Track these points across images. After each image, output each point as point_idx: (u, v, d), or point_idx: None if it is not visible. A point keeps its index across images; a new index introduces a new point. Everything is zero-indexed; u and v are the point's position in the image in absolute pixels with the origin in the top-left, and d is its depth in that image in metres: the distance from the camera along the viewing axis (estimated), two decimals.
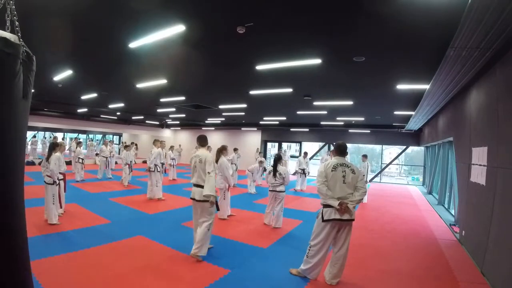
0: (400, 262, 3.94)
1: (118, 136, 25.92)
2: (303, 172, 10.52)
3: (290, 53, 4.35)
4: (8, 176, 1.35)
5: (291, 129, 16.29)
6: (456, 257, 4.20)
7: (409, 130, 12.47)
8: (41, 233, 4.27)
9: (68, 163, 8.51)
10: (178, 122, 19.00)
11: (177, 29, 3.48)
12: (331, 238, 3.14)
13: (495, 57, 3.33)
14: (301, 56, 4.44)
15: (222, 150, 5.91)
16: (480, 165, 3.94)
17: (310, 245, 3.22)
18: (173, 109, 11.93)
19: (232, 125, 17.47)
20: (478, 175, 3.99)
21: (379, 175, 15.63)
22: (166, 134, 21.19)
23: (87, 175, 10.95)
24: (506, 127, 3.17)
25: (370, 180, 15.05)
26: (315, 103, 8.47)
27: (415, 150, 16.98)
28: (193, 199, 3.76)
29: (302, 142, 17.30)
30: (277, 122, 15.27)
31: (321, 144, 16.90)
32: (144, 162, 18.61)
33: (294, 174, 11.54)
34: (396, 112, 9.47)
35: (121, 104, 11.18)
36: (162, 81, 6.60)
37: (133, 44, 4.11)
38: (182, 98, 8.99)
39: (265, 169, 9.15)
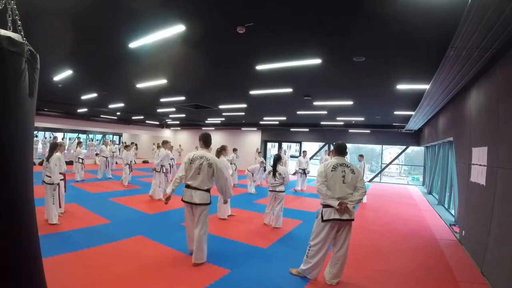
0: (400, 262, 3.94)
1: (118, 136, 25.92)
2: (304, 172, 10.51)
3: (290, 53, 4.35)
4: (17, 174, 1.35)
5: (291, 129, 16.29)
6: (456, 257, 4.20)
7: (409, 130, 12.48)
8: (41, 233, 4.23)
9: (69, 163, 8.51)
10: (178, 122, 19.00)
11: (177, 29, 3.47)
12: (331, 238, 3.14)
13: (495, 57, 3.33)
14: (301, 56, 4.44)
15: (221, 150, 5.92)
16: (480, 165, 3.94)
17: (309, 245, 3.22)
18: (173, 109, 11.93)
19: (232, 125, 17.47)
20: (478, 175, 3.99)
21: (379, 175, 15.63)
22: (166, 134, 21.19)
23: (87, 175, 10.95)
24: (506, 127, 3.18)
25: (370, 180, 15.06)
26: (315, 103, 8.47)
27: (415, 150, 16.99)
28: (190, 203, 3.49)
29: (302, 142, 17.30)
30: (277, 122, 15.28)
31: (321, 144, 16.90)
32: (145, 162, 18.68)
33: (294, 174, 11.54)
34: (396, 112, 9.48)
35: (121, 104, 11.18)
36: (162, 81, 6.60)
37: (133, 44, 4.11)
38: (182, 98, 8.99)
39: (265, 169, 9.15)
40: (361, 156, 8.74)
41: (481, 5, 2.27)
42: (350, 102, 8.06)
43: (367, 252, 4.28)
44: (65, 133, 23.49)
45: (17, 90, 1.33)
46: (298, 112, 10.95)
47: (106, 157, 10.99)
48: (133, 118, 16.89)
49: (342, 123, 13.54)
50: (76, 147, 10.78)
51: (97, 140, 26.42)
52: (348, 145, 19.83)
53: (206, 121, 16.90)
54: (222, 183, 3.59)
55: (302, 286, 3.11)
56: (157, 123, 19.64)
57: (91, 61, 5.40)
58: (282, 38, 3.81)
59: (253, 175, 9.34)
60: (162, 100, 9.49)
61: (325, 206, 3.10)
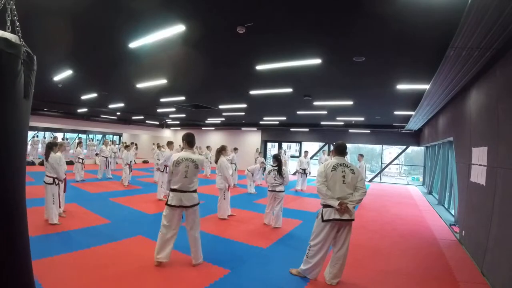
0: (400, 262, 3.94)
1: (118, 136, 25.92)
2: (304, 172, 10.51)
3: (290, 53, 4.35)
4: (9, 176, 1.35)
5: (291, 129, 16.29)
6: (456, 257, 4.20)
7: (409, 130, 12.47)
8: (41, 233, 4.27)
9: (69, 163, 8.51)
10: (178, 122, 18.99)
11: (177, 29, 3.47)
12: (331, 238, 3.14)
13: (495, 57, 3.33)
14: (301, 56, 4.44)
15: (221, 150, 5.91)
16: (480, 165, 3.94)
17: (310, 245, 3.22)
18: (173, 109, 11.93)
19: (232, 125, 17.46)
20: (478, 175, 3.99)
21: (379, 175, 15.63)
22: (166, 134, 21.18)
23: (87, 175, 10.95)
24: (506, 127, 3.18)
25: (370, 180, 15.06)
26: (315, 103, 8.47)
27: (415, 150, 16.98)
28: (181, 206, 3.36)
29: (302, 142, 17.29)
30: (277, 122, 15.27)
31: (321, 144, 16.90)
32: (145, 162, 18.68)
33: (294, 174, 11.54)
34: (396, 112, 9.48)
35: (121, 104, 11.18)
36: (162, 81, 6.60)
37: (133, 44, 4.11)
38: (182, 98, 9.00)
39: (265, 169, 9.15)
40: (361, 155, 8.74)
41: (481, 5, 2.27)
42: (350, 102, 8.06)
43: (367, 252, 4.28)
44: (65, 133, 23.48)
45: (12, 91, 1.33)
46: (298, 112, 10.95)
47: (106, 157, 11.00)
48: (133, 118, 16.90)
49: (342, 123, 13.54)
50: (76, 147, 10.78)
51: (97, 140, 26.43)
52: (348, 145, 19.86)
53: (206, 121, 16.90)
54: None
55: (302, 286, 3.11)
56: (157, 123, 19.64)
57: (91, 61, 5.40)
58: (282, 38, 3.81)
59: (253, 175, 9.34)
60: (162, 100, 9.49)
61: (325, 206, 3.10)
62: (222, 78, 6.27)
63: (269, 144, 19.14)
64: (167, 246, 3.41)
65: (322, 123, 14.07)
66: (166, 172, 7.48)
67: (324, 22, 3.26)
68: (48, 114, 13.82)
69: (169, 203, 3.40)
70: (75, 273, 3.07)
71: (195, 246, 3.46)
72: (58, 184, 4.97)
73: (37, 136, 19.32)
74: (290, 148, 19.38)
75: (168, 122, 19.75)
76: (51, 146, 5.01)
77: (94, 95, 9.07)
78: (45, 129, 20.83)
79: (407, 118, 9.95)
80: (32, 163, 13.47)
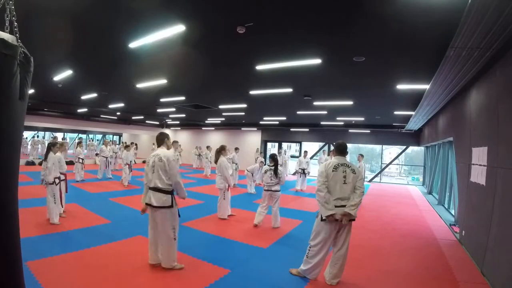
0: (400, 262, 3.94)
1: (118, 136, 25.91)
2: (303, 172, 10.51)
3: (290, 53, 4.35)
4: (3, 177, 1.35)
5: (291, 129, 16.29)
6: (456, 257, 4.20)
7: (409, 130, 12.47)
8: (41, 233, 4.27)
9: (69, 163, 8.51)
10: (178, 122, 19.00)
11: (177, 29, 3.47)
12: (332, 238, 3.14)
13: (495, 57, 3.33)
14: (301, 56, 4.43)
15: (221, 151, 5.91)
16: (480, 165, 3.94)
17: (310, 245, 3.22)
18: (173, 109, 11.92)
19: (232, 125, 17.46)
20: (478, 175, 3.99)
21: (379, 175, 15.62)
22: None
23: (87, 175, 10.95)
24: (506, 127, 3.17)
25: (370, 180, 15.06)
26: (315, 103, 8.47)
27: (415, 150, 16.98)
28: (150, 205, 3.24)
29: (302, 142, 17.29)
30: (277, 122, 15.27)
31: (321, 144, 16.90)
32: (144, 162, 18.62)
33: (294, 174, 11.54)
34: (396, 112, 9.47)
35: (121, 104, 11.18)
36: (162, 81, 6.60)
37: (133, 44, 4.11)
38: (182, 98, 8.99)
39: None
40: (361, 156, 8.74)
41: (481, 5, 2.27)
42: (350, 102, 8.06)
43: (367, 252, 4.28)
44: (65, 133, 23.48)
45: (8, 92, 1.32)
46: (298, 112, 10.95)
47: (106, 157, 10.99)
48: (133, 118, 16.90)
49: (342, 123, 13.54)
50: (76, 147, 10.78)
51: (97, 140, 26.42)
52: (348, 145, 19.71)
53: (206, 121, 16.90)
54: (173, 179, 3.24)
55: (302, 286, 3.11)
56: (157, 123, 19.64)
57: (91, 61, 5.40)
58: (282, 38, 3.81)
59: (252, 175, 9.33)
60: (162, 100, 9.49)
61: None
62: (222, 78, 6.27)
63: (269, 144, 19.14)
64: (156, 246, 3.30)
65: (322, 123, 14.07)
66: None
67: (324, 22, 3.26)
68: (48, 114, 13.82)
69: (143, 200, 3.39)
70: (75, 273, 3.07)
71: (163, 250, 3.23)
72: (59, 183, 4.97)
73: (38, 136, 19.33)
74: (290, 148, 19.39)
75: (168, 122, 19.75)
76: (51, 147, 5.01)
77: (94, 95, 9.07)
78: (45, 129, 20.81)
79: (407, 118, 9.95)
80: (32, 163, 13.47)
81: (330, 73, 5.26)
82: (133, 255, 3.67)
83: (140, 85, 7.09)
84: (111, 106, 11.72)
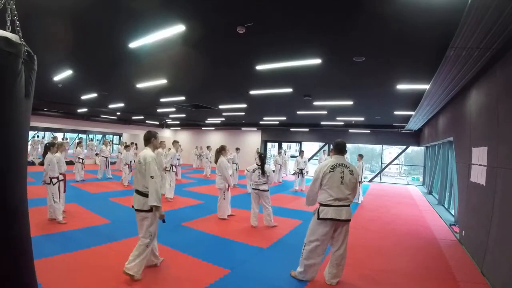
0: (400, 262, 3.94)
1: (118, 136, 25.92)
2: (301, 172, 10.53)
3: (290, 53, 4.35)
4: (10, 176, 1.35)
5: (291, 129, 16.29)
6: (456, 257, 4.20)
7: (409, 130, 12.47)
8: (41, 233, 4.27)
9: (69, 163, 8.51)
10: (178, 122, 19.00)
11: (177, 29, 3.47)
12: (328, 238, 3.13)
13: (495, 57, 3.33)
14: (301, 56, 4.43)
15: (221, 151, 5.91)
16: (480, 165, 3.94)
17: (305, 244, 3.20)
18: (173, 109, 11.92)
19: (232, 125, 17.46)
20: (478, 175, 3.99)
21: (379, 175, 15.62)
22: (166, 134, 21.18)
23: (87, 175, 10.95)
24: (506, 127, 3.18)
25: (370, 180, 15.07)
26: (315, 103, 8.47)
27: (415, 150, 16.99)
28: (133, 207, 3.15)
29: (302, 142, 17.30)
30: (277, 122, 15.27)
31: (321, 144, 16.91)
32: None
33: (293, 174, 11.54)
34: (396, 112, 9.47)
35: (121, 104, 11.18)
36: (162, 81, 6.60)
37: (133, 44, 4.11)
38: (182, 98, 8.99)
39: None
40: (360, 156, 8.74)
41: (481, 5, 2.27)
42: (350, 102, 8.06)
43: (367, 252, 4.28)
44: (65, 133, 23.49)
45: (13, 91, 1.33)
46: (298, 112, 10.95)
47: (106, 157, 10.99)
48: (133, 118, 16.90)
49: (342, 123, 13.54)
50: (76, 147, 10.79)
51: (97, 140, 26.43)
52: (348, 145, 19.75)
53: (206, 121, 16.90)
54: (148, 182, 3.00)
55: (302, 286, 3.11)
56: (157, 123, 19.64)
57: (91, 61, 5.40)
58: (282, 38, 3.81)
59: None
60: (162, 100, 9.49)
61: (322, 205, 3.10)
62: (222, 78, 6.27)
63: (269, 144, 19.14)
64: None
65: (322, 123, 14.08)
66: (173, 171, 7.57)
67: (324, 22, 3.26)
68: (48, 114, 13.81)
69: None
70: (75, 273, 3.07)
71: (134, 253, 3.05)
72: (58, 183, 4.97)
73: (38, 136, 19.34)
74: (290, 148, 19.39)
75: (168, 122, 19.75)
76: (49, 147, 5.00)
77: (94, 95, 9.06)
78: (45, 129, 20.82)
79: (407, 118, 9.95)
80: (32, 163, 13.46)
81: (330, 73, 5.26)
82: None
83: (140, 85, 7.09)
84: (111, 106, 11.72)
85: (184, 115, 14.41)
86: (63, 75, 6.31)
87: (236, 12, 3.15)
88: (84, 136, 23.83)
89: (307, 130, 15.98)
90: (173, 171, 7.60)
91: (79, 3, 3.05)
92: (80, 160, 9.95)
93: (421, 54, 4.02)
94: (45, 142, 18.31)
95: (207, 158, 14.20)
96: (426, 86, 5.27)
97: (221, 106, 10.49)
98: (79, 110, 13.85)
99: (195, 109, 10.92)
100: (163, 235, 4.55)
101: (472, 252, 4.17)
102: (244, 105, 9.88)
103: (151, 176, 2.98)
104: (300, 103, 8.80)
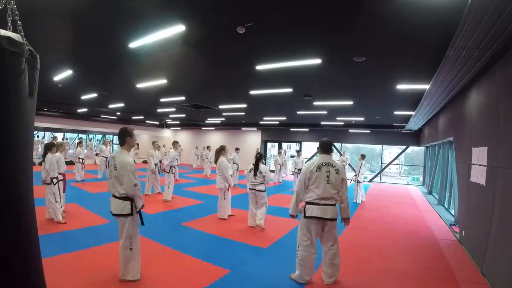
0: (400, 262, 3.94)
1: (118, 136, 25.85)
2: (299, 172, 10.52)
3: (290, 53, 4.35)
4: (17, 175, 1.35)
5: (291, 129, 16.29)
6: (456, 257, 4.20)
7: (409, 130, 12.48)
8: (41, 233, 4.24)
9: (69, 163, 8.51)
10: (178, 122, 19.00)
11: (177, 29, 3.47)
12: (317, 235, 3.16)
13: (495, 57, 3.33)
14: (301, 56, 4.44)
15: (220, 151, 5.90)
16: (480, 165, 3.94)
17: (298, 245, 3.22)
18: (173, 109, 11.93)
19: (232, 125, 17.47)
20: (478, 175, 3.99)
21: (379, 175, 15.63)
22: (166, 134, 21.19)
23: (87, 175, 10.95)
24: (506, 127, 3.18)
25: (370, 180, 15.07)
26: (315, 103, 8.47)
27: (415, 150, 16.98)
28: (111, 211, 3.04)
29: (302, 142, 17.30)
30: (277, 122, 15.28)
31: None
32: (145, 162, 18.61)
33: (293, 174, 11.55)
34: (396, 112, 9.48)
35: (121, 104, 11.18)
36: (162, 81, 6.60)
37: (133, 44, 4.11)
38: (182, 98, 9.00)
39: None
40: (362, 156, 8.75)
41: (481, 5, 2.27)
42: (350, 102, 8.06)
43: (367, 252, 4.28)
44: (65, 133, 23.48)
45: (17, 90, 1.33)
46: (298, 112, 10.95)
47: (106, 157, 10.99)
48: (133, 118, 16.90)
49: (342, 123, 13.54)
50: (76, 147, 10.78)
51: (97, 140, 26.42)
52: (348, 145, 19.58)
53: (206, 121, 16.90)
54: (127, 187, 2.87)
55: (302, 286, 3.11)
56: (157, 123, 19.64)
57: (91, 61, 5.40)
58: (282, 38, 3.81)
59: None
60: (162, 100, 9.49)
61: (308, 203, 3.13)
62: (222, 78, 6.27)
63: (269, 144, 19.15)
64: None
65: (322, 123, 14.08)
66: (172, 173, 7.53)
67: (324, 22, 3.26)
68: (48, 114, 13.82)
69: None
70: (75, 273, 3.07)
71: (120, 259, 2.99)
72: (57, 183, 4.97)
73: (38, 136, 19.34)
74: (290, 148, 19.39)
75: (168, 122, 19.75)
76: (49, 147, 5.00)
77: (94, 95, 9.07)
78: (45, 129, 20.81)
79: (407, 118, 9.96)
80: (32, 163, 13.45)
81: (330, 73, 5.26)
82: None
83: (140, 85, 7.10)
84: (111, 106, 11.72)
85: (184, 115, 14.41)
86: (63, 75, 6.31)
87: (236, 12, 3.15)
88: (84, 136, 23.81)
89: (307, 130, 15.98)
90: (172, 173, 7.51)
91: (79, 3, 3.05)
92: (80, 160, 9.94)
93: (421, 54, 4.02)
94: (45, 142, 18.37)
95: (207, 158, 14.20)
96: (426, 86, 5.27)
97: (221, 106, 10.49)
98: (79, 110, 13.86)
99: (195, 109, 10.92)
100: (163, 235, 4.57)
101: (472, 252, 4.17)
102: (244, 105, 9.88)
103: (134, 185, 2.89)
104: (300, 103, 8.80)
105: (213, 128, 19.37)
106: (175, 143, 8.20)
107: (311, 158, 16.52)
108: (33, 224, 1.43)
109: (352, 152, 18.12)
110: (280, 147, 18.14)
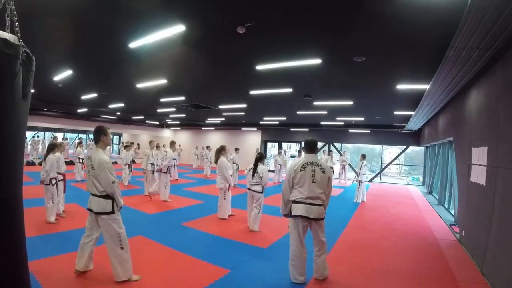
0: (400, 262, 3.94)
1: (118, 136, 25.91)
2: None
3: (290, 53, 4.35)
4: (6, 176, 1.35)
5: (291, 129, 16.29)
6: (456, 257, 4.20)
7: (409, 130, 12.47)
8: (41, 233, 4.27)
9: (69, 163, 8.52)
10: (178, 122, 19.00)
11: (177, 29, 3.47)
12: (305, 233, 3.16)
13: (495, 57, 3.33)
14: (301, 56, 4.43)
15: (221, 151, 5.90)
16: (480, 165, 3.94)
17: (290, 245, 3.21)
18: (173, 109, 11.93)
19: (232, 125, 17.47)
20: (478, 175, 3.99)
21: (379, 175, 15.62)
22: (166, 134, 21.18)
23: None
24: (506, 127, 3.17)
25: (370, 180, 15.06)
26: (315, 103, 8.47)
27: (415, 150, 16.98)
28: (90, 210, 3.01)
29: (302, 142, 17.26)
30: (277, 122, 15.28)
31: (321, 144, 16.90)
32: None
33: None
34: (396, 112, 9.48)
35: (121, 104, 11.18)
36: (162, 81, 6.60)
37: (133, 44, 4.11)
38: (182, 98, 9.00)
39: None
40: (363, 156, 8.74)
41: (481, 5, 2.27)
42: (350, 102, 8.06)
43: (367, 252, 4.28)
44: (65, 133, 23.49)
45: (11, 92, 1.33)
46: (298, 112, 10.95)
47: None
48: (133, 118, 16.91)
49: (342, 123, 13.54)
50: (76, 147, 10.77)
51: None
52: (348, 145, 19.54)
53: (206, 121, 16.90)
54: (105, 185, 2.87)
55: (302, 286, 3.11)
56: (157, 123, 19.64)
57: (91, 61, 5.40)
58: (282, 38, 3.81)
59: None
60: (162, 100, 9.49)
61: (294, 202, 3.14)
62: (222, 78, 6.27)
63: (269, 144, 19.15)
64: (83, 252, 3.00)
65: (322, 123, 14.08)
66: (169, 173, 7.50)
67: (324, 22, 3.26)
68: (48, 114, 13.82)
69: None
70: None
71: (113, 261, 2.91)
72: (56, 184, 4.97)
73: (38, 136, 19.33)
74: (290, 148, 19.40)
75: (168, 122, 19.75)
76: (52, 148, 5.00)
77: (94, 95, 9.07)
78: (45, 129, 20.82)
79: (407, 118, 9.95)
80: (32, 163, 13.46)
81: (330, 73, 5.26)
82: (133, 255, 3.66)
83: (140, 85, 7.10)
84: (111, 106, 11.72)
85: (184, 115, 14.41)
86: (63, 75, 6.31)
87: (236, 12, 3.15)
88: (84, 136, 23.82)
89: (307, 130, 15.97)
90: (168, 173, 7.39)
91: (79, 3, 3.05)
92: (80, 160, 9.94)
93: (421, 54, 4.02)
94: (46, 142, 18.34)
95: (207, 158, 14.20)
96: (426, 86, 5.27)
97: (221, 106, 10.49)
98: (79, 110, 13.87)
99: (195, 109, 10.92)
100: (163, 235, 4.57)
101: (472, 252, 4.17)
102: (244, 105, 9.88)
103: (112, 182, 2.88)
104: (300, 103, 8.80)
105: (213, 128, 19.37)
106: (172, 143, 8.03)
107: None
108: (21, 227, 1.43)
109: (352, 152, 18.12)
110: (280, 147, 18.14)
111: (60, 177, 5.18)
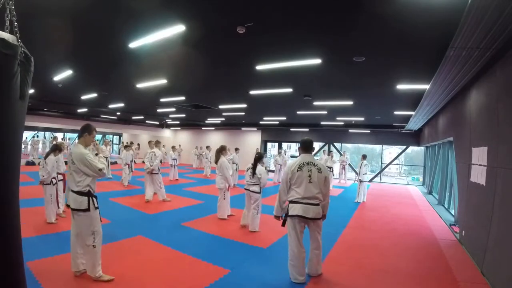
0: (400, 262, 3.94)
1: (118, 136, 25.91)
2: None
3: (290, 53, 4.35)
4: (3, 177, 1.35)
5: (291, 129, 16.29)
6: (456, 257, 4.20)
7: (409, 130, 12.47)
8: (40, 233, 4.27)
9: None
10: (178, 122, 19.00)
11: (177, 29, 3.47)
12: (302, 233, 3.17)
13: (495, 57, 3.33)
14: (301, 56, 4.43)
15: (221, 151, 5.90)
16: (480, 165, 3.94)
17: (289, 245, 3.22)
18: (173, 109, 11.93)
19: (232, 125, 17.47)
20: (478, 175, 3.99)
21: (379, 175, 15.62)
22: (166, 134, 21.18)
23: None
24: (506, 127, 3.17)
25: (370, 180, 15.06)
26: (315, 103, 8.47)
27: (415, 150, 16.98)
28: (68, 206, 2.97)
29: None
30: (277, 122, 15.28)
31: (321, 144, 16.91)
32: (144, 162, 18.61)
33: None
34: (396, 112, 9.48)
35: (121, 104, 11.18)
36: (162, 81, 6.60)
37: (133, 44, 4.11)
38: (182, 98, 9.00)
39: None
40: (363, 156, 8.74)
41: (481, 5, 2.27)
42: (350, 102, 8.06)
43: (367, 252, 4.28)
44: (65, 133, 23.50)
45: (8, 92, 1.33)
46: (298, 112, 10.95)
47: (106, 157, 10.98)
48: (133, 118, 16.90)
49: (342, 123, 13.54)
50: None
51: (97, 140, 26.42)
52: (348, 145, 19.56)
53: (206, 121, 16.90)
54: (94, 175, 2.90)
55: (302, 286, 3.11)
56: (157, 123, 19.64)
57: (91, 61, 5.40)
58: (282, 38, 3.81)
59: None
60: (162, 100, 9.49)
61: (291, 202, 3.15)
62: (222, 78, 6.27)
63: (269, 144, 19.15)
64: (72, 250, 3.01)
65: (322, 123, 14.08)
66: (160, 173, 7.40)
67: (324, 22, 3.26)
68: (48, 114, 13.82)
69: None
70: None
71: (86, 257, 2.93)
72: (56, 183, 4.97)
73: (38, 136, 19.34)
74: (290, 148, 19.40)
75: (168, 122, 19.75)
76: (54, 149, 5.00)
77: (94, 95, 9.07)
78: (45, 129, 20.82)
79: (407, 118, 9.95)
80: (32, 163, 13.46)
81: (330, 73, 5.26)
82: (133, 255, 3.67)
83: (140, 85, 7.10)
84: (111, 106, 11.72)
85: (184, 115, 14.41)
86: (63, 75, 6.31)
87: (236, 12, 3.15)
88: None
89: (307, 130, 15.97)
90: (159, 173, 7.18)
91: (79, 3, 3.05)
92: None
93: (421, 54, 4.02)
94: (46, 142, 18.35)
95: (207, 158, 14.20)
96: (426, 86, 5.27)
97: (221, 106, 10.49)
98: (79, 110, 13.86)
99: (195, 109, 10.92)
100: (163, 235, 4.57)
101: (472, 252, 4.17)
102: (244, 105, 9.88)
103: (99, 170, 2.88)
104: (300, 103, 8.80)
105: (213, 128, 19.37)
106: (157, 143, 7.51)
107: None
108: (16, 228, 1.42)
109: (352, 152, 18.12)
110: (280, 147, 18.14)
111: (60, 177, 5.18)
